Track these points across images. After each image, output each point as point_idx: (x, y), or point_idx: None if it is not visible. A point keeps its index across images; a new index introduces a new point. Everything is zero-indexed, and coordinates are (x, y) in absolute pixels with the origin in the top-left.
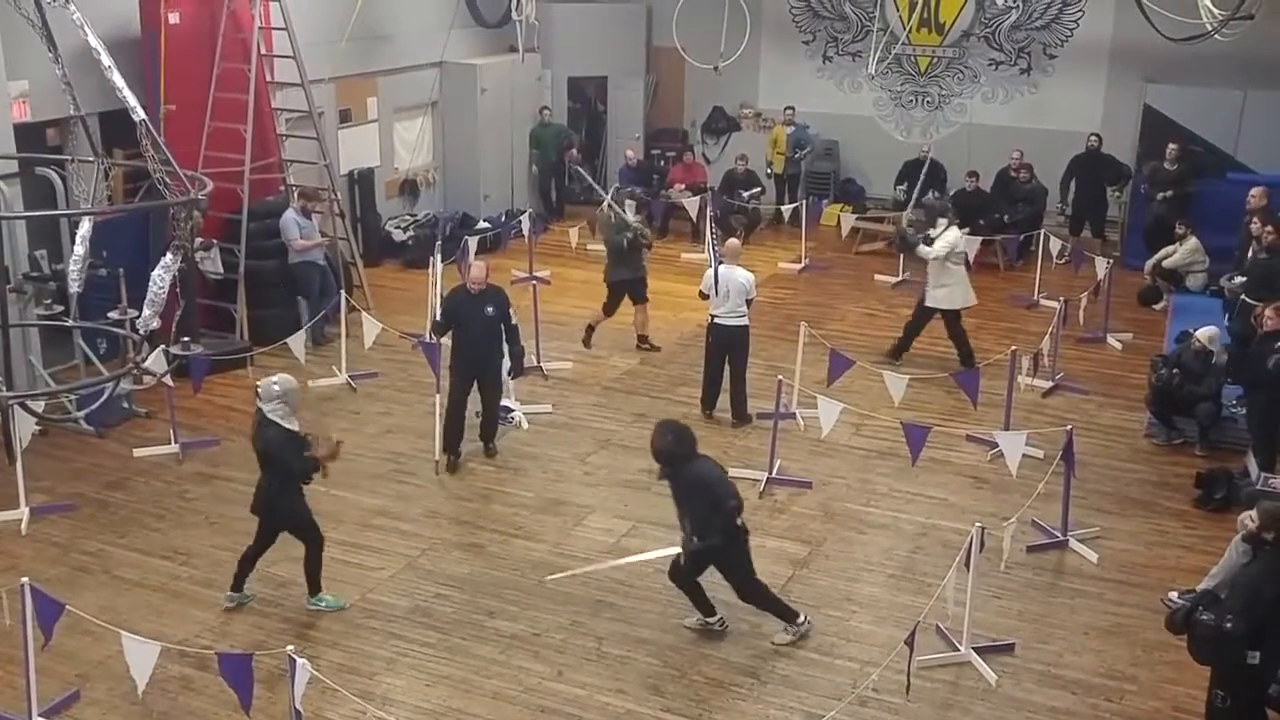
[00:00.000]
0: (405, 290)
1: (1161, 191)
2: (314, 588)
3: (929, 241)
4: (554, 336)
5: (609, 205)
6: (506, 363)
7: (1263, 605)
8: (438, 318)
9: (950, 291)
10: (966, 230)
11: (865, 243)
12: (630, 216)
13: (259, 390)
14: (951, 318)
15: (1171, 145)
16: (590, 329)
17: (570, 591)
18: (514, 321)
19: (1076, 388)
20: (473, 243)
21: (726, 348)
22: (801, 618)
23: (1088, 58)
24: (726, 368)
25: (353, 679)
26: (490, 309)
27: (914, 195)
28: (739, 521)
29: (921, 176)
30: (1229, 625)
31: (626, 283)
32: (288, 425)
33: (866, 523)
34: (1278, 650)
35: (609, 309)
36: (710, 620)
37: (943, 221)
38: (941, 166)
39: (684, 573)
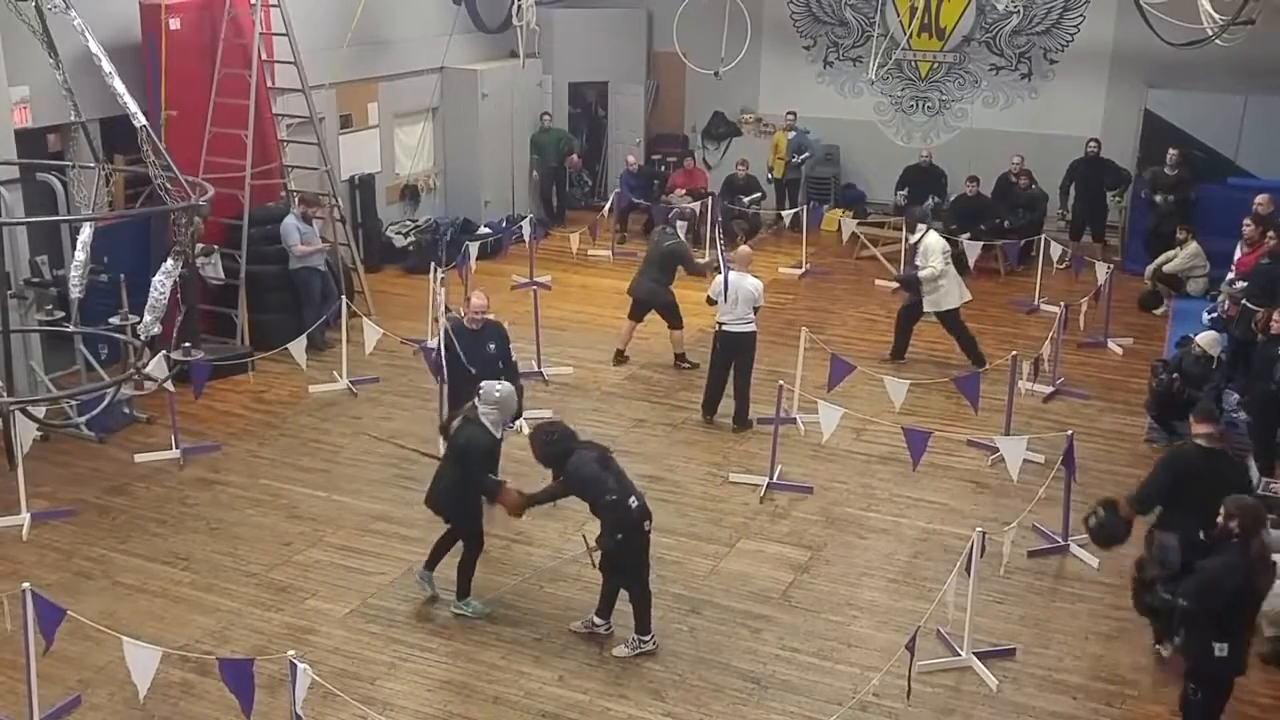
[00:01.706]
0: (406, 295)
1: (1163, 196)
2: (463, 592)
3: (917, 274)
4: (554, 342)
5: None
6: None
7: (1221, 596)
8: (439, 354)
9: (945, 293)
10: (968, 233)
11: (866, 248)
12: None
13: (480, 391)
14: (951, 318)
15: (1172, 150)
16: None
17: (571, 596)
18: (514, 359)
19: (1077, 393)
20: (474, 248)
21: (734, 354)
22: (650, 638)
23: (1088, 63)
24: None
25: (354, 684)
26: (492, 346)
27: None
28: (632, 505)
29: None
30: (1183, 604)
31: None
32: (494, 432)
33: (867, 528)
34: (1245, 644)
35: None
36: (599, 624)
37: (921, 227)
38: (942, 171)
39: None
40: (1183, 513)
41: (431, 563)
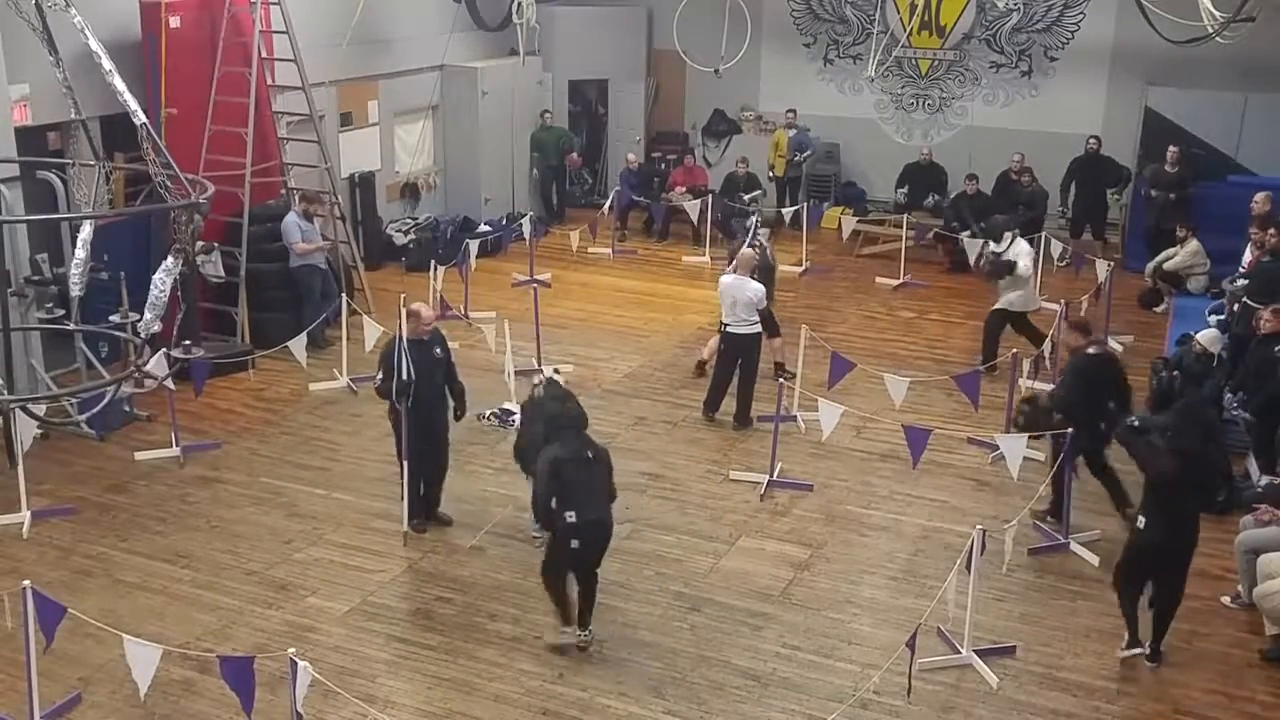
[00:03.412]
0: (406, 293)
1: (1163, 194)
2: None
3: (1012, 269)
4: (554, 340)
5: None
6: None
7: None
8: (402, 376)
9: (1023, 295)
10: (968, 230)
11: (866, 245)
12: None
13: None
14: (996, 317)
15: (1171, 148)
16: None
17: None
18: (453, 359)
19: None
20: (474, 246)
21: (738, 355)
22: (576, 630)
23: (1089, 60)
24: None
25: (354, 681)
26: (438, 350)
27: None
28: (568, 518)
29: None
30: None
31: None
32: None
33: (868, 525)
34: (1159, 523)
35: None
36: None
37: (1008, 236)
38: (942, 169)
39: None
40: (1082, 409)
41: None
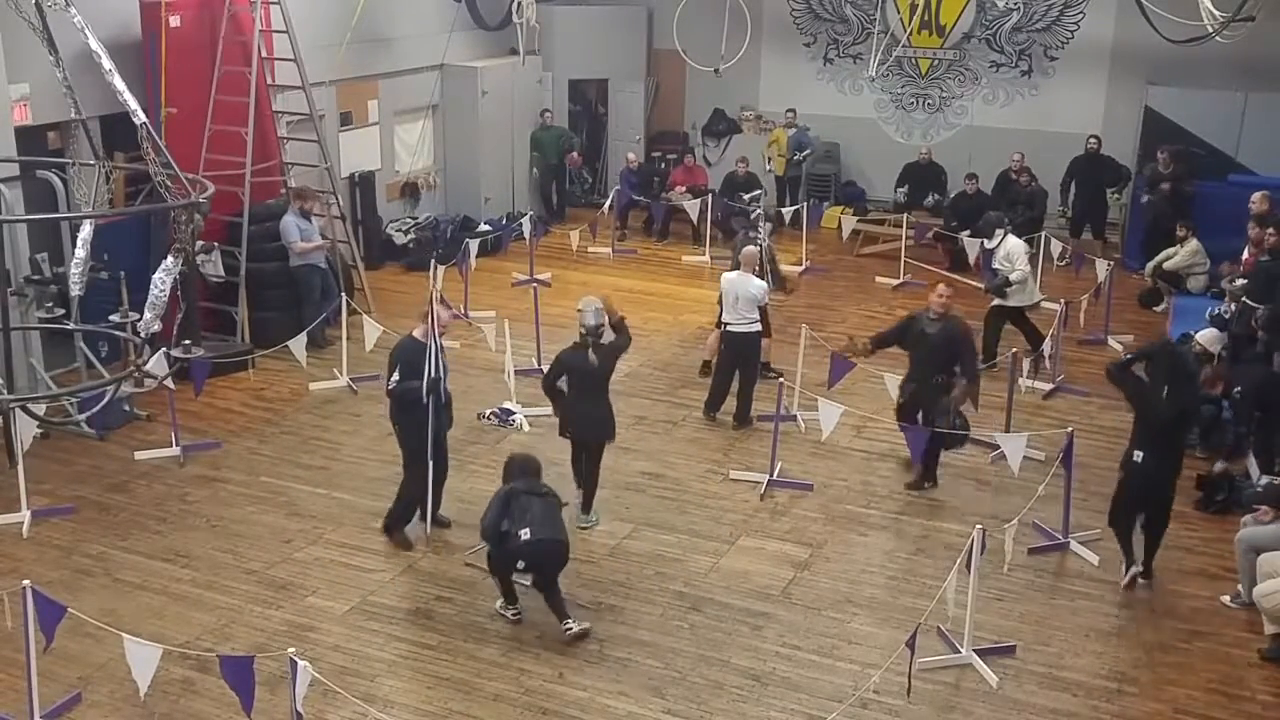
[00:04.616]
0: (406, 293)
1: (1159, 195)
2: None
3: (1008, 277)
4: (555, 339)
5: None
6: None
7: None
8: (433, 373)
9: (1022, 290)
10: (967, 230)
11: (866, 245)
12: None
13: (589, 318)
14: (1002, 316)
15: (1161, 154)
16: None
17: (571, 593)
18: None
19: (1077, 390)
20: (474, 245)
21: (738, 354)
22: (515, 609)
23: (1089, 60)
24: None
25: (354, 681)
26: (444, 353)
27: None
28: (522, 536)
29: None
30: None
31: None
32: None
33: (867, 525)
34: (1149, 454)
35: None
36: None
37: (1000, 232)
38: (942, 168)
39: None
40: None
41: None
